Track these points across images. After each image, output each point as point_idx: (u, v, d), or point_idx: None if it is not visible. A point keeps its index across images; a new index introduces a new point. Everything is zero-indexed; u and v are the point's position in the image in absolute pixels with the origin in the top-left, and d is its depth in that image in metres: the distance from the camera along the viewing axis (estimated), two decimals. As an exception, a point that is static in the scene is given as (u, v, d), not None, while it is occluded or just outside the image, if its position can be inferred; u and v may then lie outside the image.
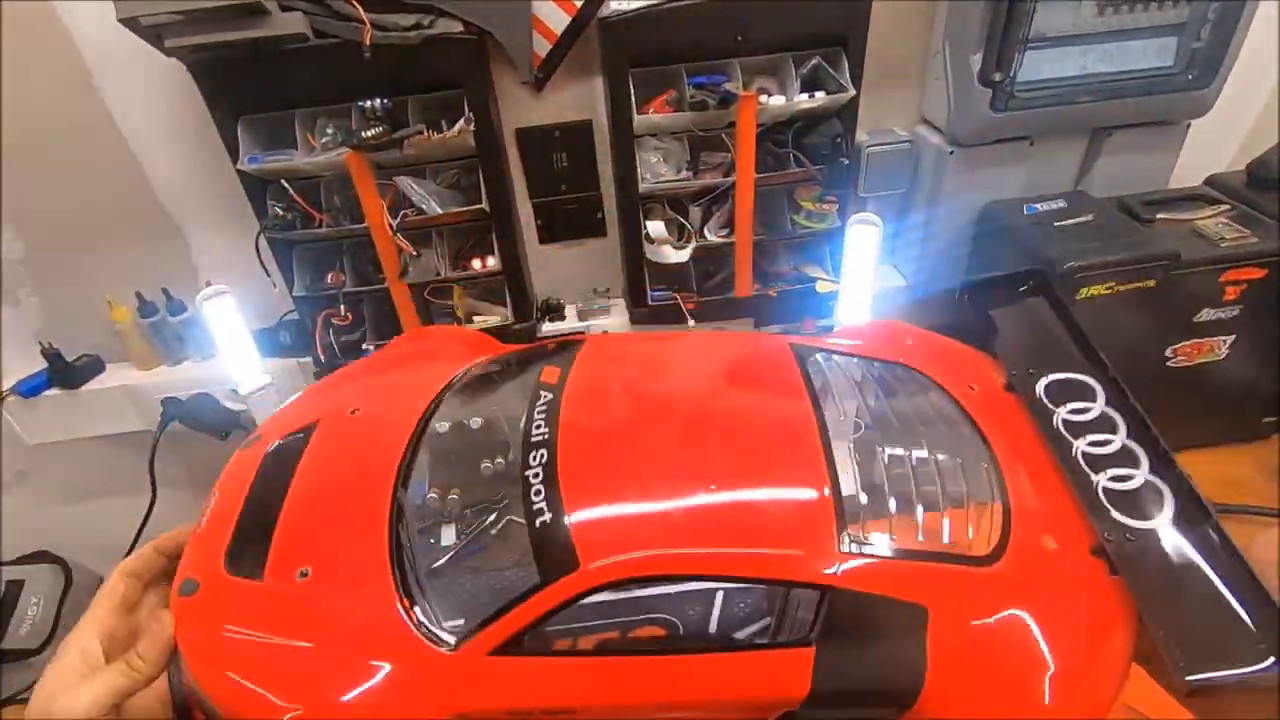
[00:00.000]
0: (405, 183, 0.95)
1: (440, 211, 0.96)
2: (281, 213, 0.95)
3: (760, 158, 0.96)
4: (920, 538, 0.47)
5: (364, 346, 1.05)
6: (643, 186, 0.98)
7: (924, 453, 0.52)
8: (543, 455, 0.50)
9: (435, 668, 0.46)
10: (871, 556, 0.45)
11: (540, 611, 0.45)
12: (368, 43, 0.82)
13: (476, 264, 1.03)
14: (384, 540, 0.50)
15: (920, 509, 0.49)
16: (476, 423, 0.58)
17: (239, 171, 0.91)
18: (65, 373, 1.11)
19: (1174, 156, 1.06)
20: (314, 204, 0.96)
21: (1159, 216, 0.97)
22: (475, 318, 1.08)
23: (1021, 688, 0.43)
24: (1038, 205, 1.01)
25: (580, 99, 1.01)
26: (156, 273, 1.07)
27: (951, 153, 1.01)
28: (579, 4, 0.89)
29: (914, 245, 1.13)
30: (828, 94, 0.92)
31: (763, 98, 0.91)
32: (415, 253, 0.98)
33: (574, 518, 0.47)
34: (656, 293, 1.08)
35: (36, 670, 1.12)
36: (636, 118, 0.92)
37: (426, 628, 0.47)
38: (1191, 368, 0.98)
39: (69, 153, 0.97)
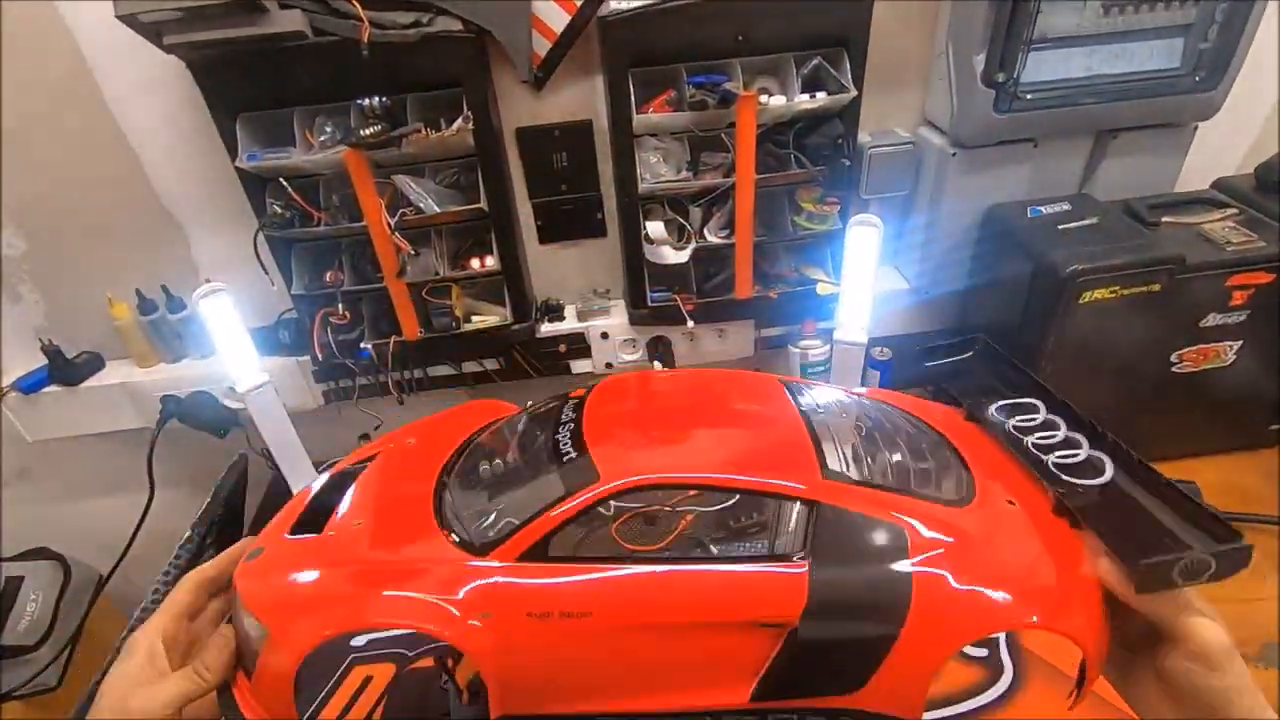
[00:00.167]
0: (404, 181, 0.94)
1: (439, 211, 0.96)
2: (280, 211, 0.95)
3: (761, 158, 0.95)
4: (893, 479, 0.55)
5: (361, 346, 1.05)
6: (642, 187, 0.97)
7: (896, 439, 0.61)
8: (570, 426, 0.60)
9: (470, 572, 0.52)
10: (851, 481, 0.53)
11: (566, 516, 0.52)
12: (366, 40, 0.82)
13: (475, 264, 1.03)
14: (429, 494, 0.59)
15: (893, 459, 0.58)
16: (513, 428, 0.68)
17: (238, 169, 0.91)
18: (65, 369, 1.11)
19: (1180, 159, 1.05)
20: (312, 202, 0.96)
21: (1164, 220, 0.96)
22: (474, 317, 1.08)
23: (1004, 608, 0.48)
24: (1041, 208, 1.00)
25: (580, 98, 1.00)
26: (156, 270, 1.07)
27: (954, 154, 1.00)
28: (579, 3, 0.89)
29: (916, 247, 1.12)
30: (829, 94, 0.92)
31: (763, 98, 0.90)
32: (414, 252, 0.98)
33: (596, 450, 0.55)
34: (656, 293, 1.08)
35: (35, 666, 1.13)
36: (636, 117, 0.92)
37: (463, 539, 0.54)
38: (1197, 374, 0.97)
39: (69, 150, 0.98)
